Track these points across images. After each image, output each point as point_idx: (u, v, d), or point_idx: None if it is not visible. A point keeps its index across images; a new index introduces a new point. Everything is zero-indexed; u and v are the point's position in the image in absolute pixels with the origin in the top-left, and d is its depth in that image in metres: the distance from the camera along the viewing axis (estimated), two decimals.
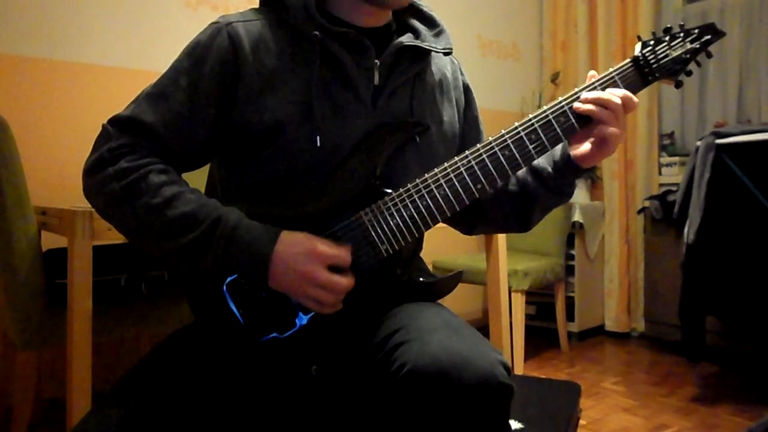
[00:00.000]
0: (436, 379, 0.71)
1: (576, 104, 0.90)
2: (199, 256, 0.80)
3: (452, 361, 0.72)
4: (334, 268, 0.82)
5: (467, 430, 0.72)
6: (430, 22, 1.02)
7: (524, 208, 1.03)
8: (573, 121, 0.90)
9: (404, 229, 0.87)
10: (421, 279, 0.93)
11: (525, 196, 1.02)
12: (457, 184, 0.88)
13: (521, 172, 1.01)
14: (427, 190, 0.88)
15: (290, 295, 0.83)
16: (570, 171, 0.96)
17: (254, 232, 0.81)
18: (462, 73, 1.10)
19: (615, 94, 0.90)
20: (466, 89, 1.10)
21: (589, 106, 0.89)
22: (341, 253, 0.82)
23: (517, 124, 0.90)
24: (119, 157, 0.83)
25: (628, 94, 0.90)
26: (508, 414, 0.76)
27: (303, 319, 0.86)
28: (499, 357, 0.76)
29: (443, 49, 1.00)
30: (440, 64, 1.04)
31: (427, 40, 0.98)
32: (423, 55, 0.98)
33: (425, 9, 1.03)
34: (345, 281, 0.82)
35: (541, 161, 0.98)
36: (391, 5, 0.94)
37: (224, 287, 0.86)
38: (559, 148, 0.95)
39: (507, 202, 1.04)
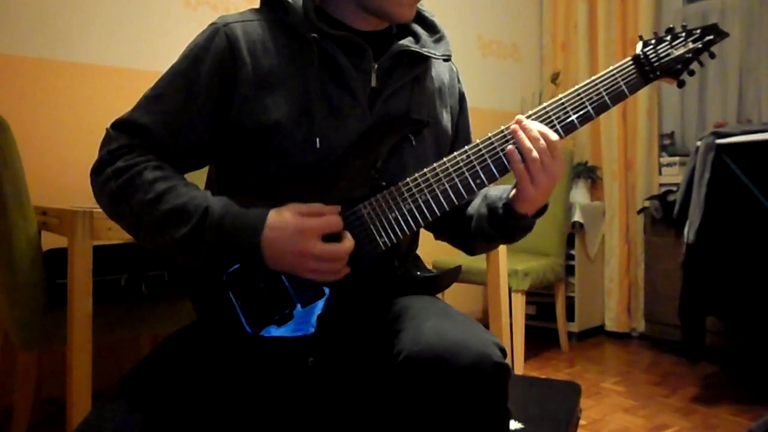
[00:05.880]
0: (431, 364, 0.72)
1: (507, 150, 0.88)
2: (194, 250, 0.81)
3: (446, 345, 0.73)
4: (329, 237, 0.83)
5: (466, 413, 0.73)
6: (431, 28, 1.03)
7: (468, 235, 1.04)
8: (573, 119, 0.91)
9: (402, 223, 0.88)
10: (418, 273, 0.93)
11: (474, 224, 1.01)
12: (456, 179, 0.88)
13: (478, 204, 1.02)
14: (426, 185, 0.88)
15: (294, 274, 0.83)
16: (513, 218, 0.93)
17: (241, 219, 0.81)
18: (459, 81, 1.11)
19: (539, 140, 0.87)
20: (461, 97, 1.11)
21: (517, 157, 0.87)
22: (330, 220, 0.83)
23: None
24: (117, 157, 0.85)
25: (546, 132, 0.87)
26: (506, 394, 0.76)
27: (319, 306, 0.87)
28: (493, 339, 0.77)
29: (442, 55, 1.00)
30: (439, 70, 1.05)
31: (427, 46, 0.99)
32: (422, 60, 0.98)
33: (427, 14, 1.04)
34: (342, 247, 0.82)
35: (496, 194, 0.97)
36: (394, 20, 0.94)
37: (224, 277, 0.87)
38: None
39: (459, 221, 1.05)
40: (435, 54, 0.99)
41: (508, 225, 0.95)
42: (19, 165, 1.55)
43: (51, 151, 2.08)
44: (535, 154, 0.86)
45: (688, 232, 2.22)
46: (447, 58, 1.02)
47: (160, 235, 0.82)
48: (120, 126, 0.88)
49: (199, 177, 1.03)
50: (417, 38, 1.00)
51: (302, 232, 0.81)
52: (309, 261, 0.81)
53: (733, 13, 3.08)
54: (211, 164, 1.00)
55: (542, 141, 0.86)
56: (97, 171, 0.87)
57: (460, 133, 1.10)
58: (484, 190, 1.01)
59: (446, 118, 1.04)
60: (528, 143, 0.86)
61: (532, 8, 3.67)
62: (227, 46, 0.88)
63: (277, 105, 0.88)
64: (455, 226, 1.07)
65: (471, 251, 1.09)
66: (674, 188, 2.97)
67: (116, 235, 1.35)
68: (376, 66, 0.93)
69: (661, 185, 3.16)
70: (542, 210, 0.95)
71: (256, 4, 0.98)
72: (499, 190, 0.98)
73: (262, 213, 0.82)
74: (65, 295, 1.36)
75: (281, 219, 0.82)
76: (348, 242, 0.84)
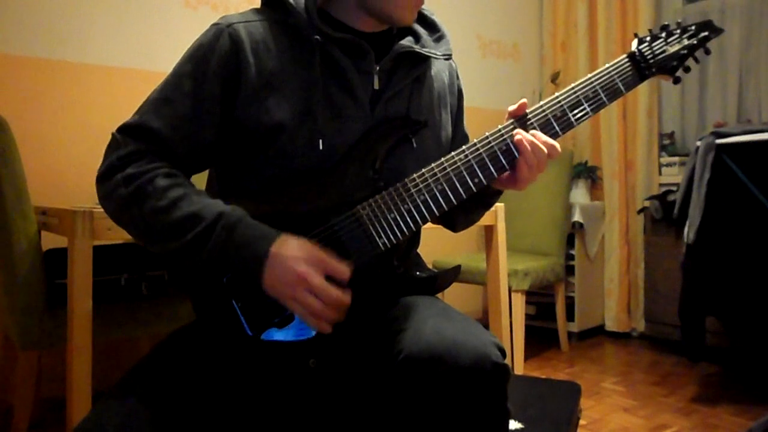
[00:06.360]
0: (431, 364, 0.72)
1: (516, 138, 0.90)
2: (201, 248, 0.80)
3: (446, 345, 0.73)
4: (332, 281, 0.80)
5: (466, 413, 0.73)
6: (431, 27, 1.03)
7: (449, 216, 1.09)
8: (570, 117, 0.91)
9: (402, 223, 0.88)
10: (418, 273, 0.93)
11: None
12: (454, 178, 0.89)
13: None
14: (425, 185, 0.88)
15: (279, 299, 0.80)
16: (492, 191, 1.01)
17: (256, 229, 0.81)
18: (458, 77, 1.11)
19: (543, 143, 0.89)
20: (460, 94, 1.11)
21: (526, 144, 0.89)
22: (341, 266, 0.81)
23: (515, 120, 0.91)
24: (127, 164, 0.84)
25: (554, 144, 0.90)
26: (506, 395, 0.77)
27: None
28: (493, 339, 0.77)
29: (443, 54, 1.01)
30: (439, 68, 1.05)
31: (428, 45, 0.99)
32: (422, 60, 0.98)
33: (427, 13, 1.04)
34: (339, 294, 0.79)
35: None
36: (396, 23, 0.95)
37: (225, 279, 0.86)
38: None
39: None
40: (436, 54, 0.99)
41: (486, 195, 1.01)
42: (19, 165, 1.55)
43: (51, 151, 2.08)
44: (535, 161, 0.89)
45: (688, 232, 2.22)
46: (447, 57, 1.02)
47: (172, 240, 0.81)
48: (128, 130, 0.87)
49: (199, 179, 1.02)
50: (417, 38, 1.00)
51: (312, 258, 0.79)
52: (301, 288, 0.78)
53: (733, 13, 3.08)
54: (211, 168, 1.00)
55: (543, 150, 0.88)
56: (105, 176, 0.85)
57: (459, 131, 1.10)
58: None
59: (446, 118, 1.04)
60: (532, 156, 0.89)
61: (532, 8, 3.67)
62: (231, 47, 0.88)
63: (279, 106, 0.88)
64: None
65: (453, 228, 1.14)
66: (674, 188, 2.97)
67: (116, 235, 1.35)
68: (377, 68, 0.93)
69: (661, 185, 3.16)
70: None
71: (257, 4, 0.98)
72: None
73: (276, 232, 0.81)
74: (65, 295, 1.36)
75: (297, 241, 0.81)
76: (346, 297, 0.80)
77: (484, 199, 1.04)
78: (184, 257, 0.82)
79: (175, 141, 0.87)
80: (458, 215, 1.10)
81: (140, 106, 0.90)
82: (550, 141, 0.89)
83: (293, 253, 0.79)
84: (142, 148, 0.86)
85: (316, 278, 0.78)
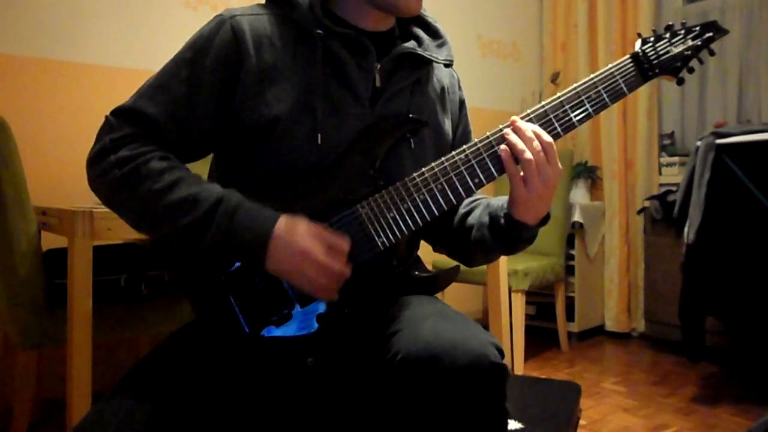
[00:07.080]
0: (429, 364, 0.72)
1: (502, 147, 0.87)
2: (200, 235, 0.80)
3: (443, 345, 0.73)
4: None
5: (464, 413, 0.73)
6: (434, 33, 1.03)
7: (468, 245, 1.01)
8: (572, 117, 0.91)
9: (401, 223, 0.88)
10: (416, 273, 0.93)
11: (474, 233, 0.99)
12: (455, 178, 0.88)
13: (479, 213, 1.00)
14: (424, 184, 0.88)
15: (284, 278, 0.83)
16: (513, 226, 0.91)
17: (256, 212, 0.82)
18: (460, 88, 1.11)
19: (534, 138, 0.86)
20: (462, 104, 1.10)
21: (509, 151, 0.86)
22: (340, 239, 0.83)
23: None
24: (121, 146, 0.84)
25: (541, 133, 0.87)
26: (504, 395, 0.76)
27: (319, 308, 0.86)
28: (491, 339, 0.77)
29: (444, 60, 1.00)
30: (440, 75, 1.05)
31: (429, 50, 0.99)
32: (423, 64, 0.98)
33: (430, 20, 1.04)
34: (341, 266, 0.82)
35: (498, 204, 0.96)
36: (401, 12, 0.94)
37: (223, 277, 0.86)
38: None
39: (459, 231, 1.03)
40: (437, 58, 0.99)
41: (509, 234, 0.92)
42: (19, 165, 1.55)
43: (51, 151, 2.08)
44: (528, 155, 0.85)
45: (688, 232, 2.22)
46: (448, 64, 1.02)
47: (168, 222, 0.81)
48: (123, 114, 0.87)
49: (199, 170, 1.02)
50: (420, 42, 1.00)
51: (314, 233, 0.81)
52: (307, 263, 0.80)
53: (733, 13, 3.08)
54: (212, 163, 1.00)
55: (536, 142, 0.86)
56: (97, 158, 0.85)
57: (460, 139, 1.09)
58: (485, 201, 1.01)
59: (447, 123, 1.04)
60: (521, 144, 0.86)
61: (532, 8, 3.67)
62: (232, 38, 0.88)
63: (278, 99, 0.88)
64: (455, 236, 1.04)
65: (470, 263, 1.05)
66: (674, 188, 2.96)
67: (116, 235, 1.35)
68: (378, 66, 0.93)
69: (661, 185, 3.16)
70: (544, 220, 0.93)
71: (255, 3, 0.98)
72: (501, 200, 0.96)
73: (276, 212, 0.83)
74: (65, 295, 1.36)
75: (295, 218, 0.82)
76: (347, 268, 0.83)
77: (507, 240, 0.94)
78: (181, 242, 0.82)
79: (168, 128, 0.87)
80: (479, 251, 1.00)
81: (137, 90, 0.89)
82: (538, 130, 0.86)
83: (295, 231, 0.81)
84: (135, 132, 0.85)
85: (321, 252, 0.80)
